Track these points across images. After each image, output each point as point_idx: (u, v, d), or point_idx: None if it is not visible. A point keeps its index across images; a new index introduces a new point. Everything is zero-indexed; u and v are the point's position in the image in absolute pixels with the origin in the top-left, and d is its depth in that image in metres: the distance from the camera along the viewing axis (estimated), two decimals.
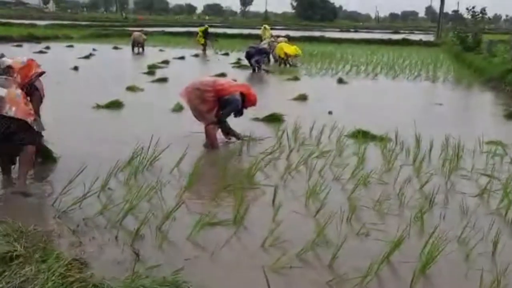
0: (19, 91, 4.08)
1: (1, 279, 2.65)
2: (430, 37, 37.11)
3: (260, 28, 15.81)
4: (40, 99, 4.53)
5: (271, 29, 22.95)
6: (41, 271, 2.72)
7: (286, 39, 17.18)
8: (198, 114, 5.74)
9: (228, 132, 6.05)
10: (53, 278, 2.64)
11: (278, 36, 18.72)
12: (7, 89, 3.99)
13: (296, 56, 15.84)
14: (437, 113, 8.64)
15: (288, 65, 15.35)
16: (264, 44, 16.13)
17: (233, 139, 6.06)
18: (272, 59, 16.17)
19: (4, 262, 2.81)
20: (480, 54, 17.73)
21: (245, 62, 14.70)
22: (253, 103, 5.98)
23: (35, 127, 4.12)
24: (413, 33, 47.96)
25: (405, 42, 30.65)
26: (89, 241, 3.23)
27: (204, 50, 20.53)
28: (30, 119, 4.05)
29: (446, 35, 33.46)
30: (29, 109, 4.11)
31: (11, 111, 3.97)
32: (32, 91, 4.40)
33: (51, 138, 5.02)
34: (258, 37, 18.17)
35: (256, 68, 14.05)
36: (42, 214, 3.62)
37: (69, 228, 3.37)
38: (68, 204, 3.71)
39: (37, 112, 4.37)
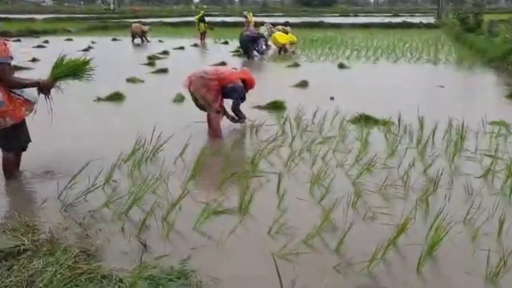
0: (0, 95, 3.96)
1: (10, 273, 2.68)
2: (431, 19, 36.80)
3: (245, 17, 15.59)
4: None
5: (271, 16, 22.79)
6: (49, 264, 2.74)
7: (283, 27, 17.01)
8: (205, 103, 5.73)
9: (237, 115, 6.09)
10: (61, 270, 2.66)
11: (274, 25, 18.57)
12: None
13: (292, 43, 15.75)
14: (440, 95, 8.60)
15: (286, 53, 15.27)
16: (265, 32, 16.04)
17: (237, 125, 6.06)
18: (273, 47, 16.10)
19: (12, 256, 2.83)
20: (481, 35, 17.59)
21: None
22: (252, 86, 6.04)
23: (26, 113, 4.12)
24: (413, 15, 47.57)
25: (405, 25, 30.43)
26: (96, 233, 3.24)
27: (202, 39, 20.39)
28: (25, 114, 4.07)
29: (446, 16, 33.16)
30: (19, 105, 4.07)
31: (7, 122, 4.00)
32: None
33: (54, 132, 5.02)
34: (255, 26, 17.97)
35: (256, 55, 14.01)
36: (48, 208, 3.62)
37: (75, 221, 3.38)
38: (73, 198, 3.72)
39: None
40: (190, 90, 5.82)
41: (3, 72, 3.96)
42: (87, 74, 4.51)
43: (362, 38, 20.77)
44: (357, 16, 49.88)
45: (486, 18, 20.50)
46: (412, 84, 9.66)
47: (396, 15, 48.06)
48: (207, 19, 21.49)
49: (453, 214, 3.40)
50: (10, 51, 4.07)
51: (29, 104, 4.15)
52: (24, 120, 4.17)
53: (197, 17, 20.96)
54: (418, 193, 3.91)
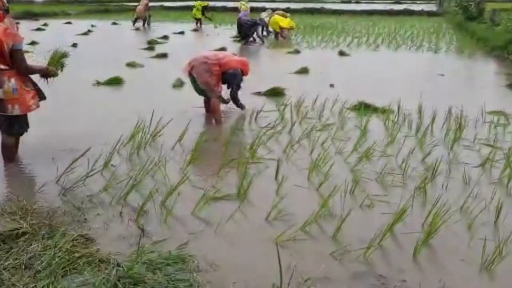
0: (12, 82, 3.93)
1: (9, 256, 2.69)
2: (432, 7, 36.56)
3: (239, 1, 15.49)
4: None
5: (272, 2, 22.55)
6: (48, 247, 2.76)
7: (283, 12, 16.92)
8: (207, 88, 5.72)
9: (236, 102, 6.11)
10: (60, 254, 2.67)
11: (274, 10, 18.44)
12: (2, 89, 3.91)
13: (290, 28, 15.69)
14: (440, 83, 8.58)
15: (283, 38, 15.21)
16: (266, 18, 15.95)
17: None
18: (271, 32, 16.05)
19: (11, 239, 2.85)
20: (483, 24, 17.49)
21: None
22: (247, 74, 6.01)
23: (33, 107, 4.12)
24: (415, 3, 47.10)
25: (406, 13, 30.23)
26: (94, 218, 3.26)
27: (198, 24, 20.07)
28: (32, 107, 4.08)
29: (448, 4, 32.87)
30: (30, 98, 4.07)
31: (15, 110, 3.98)
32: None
33: (53, 116, 5.02)
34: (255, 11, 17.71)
35: (254, 39, 13.99)
36: (47, 192, 3.62)
37: (73, 205, 3.39)
38: (72, 182, 3.73)
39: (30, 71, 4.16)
40: (190, 75, 5.80)
41: (20, 58, 3.94)
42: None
43: (363, 25, 20.65)
44: (359, 2, 49.42)
45: (489, 6, 20.36)
46: (412, 72, 9.63)
47: (398, 2, 47.57)
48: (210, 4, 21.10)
49: (451, 203, 3.42)
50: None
51: (37, 99, 4.15)
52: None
53: (200, 4, 20.40)
54: (416, 182, 3.92)
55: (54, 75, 4.35)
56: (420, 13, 29.96)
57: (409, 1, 50.13)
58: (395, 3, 46.49)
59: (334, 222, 3.21)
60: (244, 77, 5.96)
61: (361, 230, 3.12)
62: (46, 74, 4.31)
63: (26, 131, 4.24)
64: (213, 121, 5.78)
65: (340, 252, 2.89)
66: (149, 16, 19.72)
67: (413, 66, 10.48)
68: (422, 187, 3.76)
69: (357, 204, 3.55)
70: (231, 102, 6.10)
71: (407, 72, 9.52)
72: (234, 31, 16.42)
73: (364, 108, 6.20)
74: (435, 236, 3.03)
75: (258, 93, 7.16)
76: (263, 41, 14.41)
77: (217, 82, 5.73)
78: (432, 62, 11.47)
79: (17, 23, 4.39)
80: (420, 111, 5.85)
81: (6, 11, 3.92)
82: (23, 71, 4.01)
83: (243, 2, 15.25)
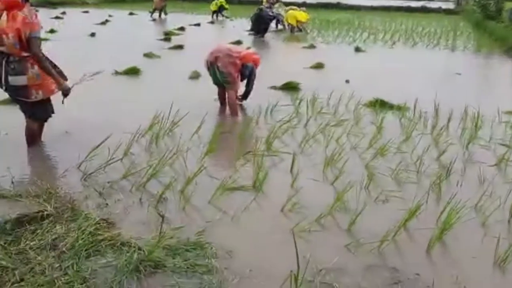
0: (35, 68, 4.02)
1: (34, 237, 2.79)
2: (450, 5, 36.10)
3: None
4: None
5: None
6: (71, 229, 2.86)
7: (297, 8, 16.93)
8: (230, 79, 5.78)
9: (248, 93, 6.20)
10: (83, 236, 2.78)
11: (287, 4, 18.41)
12: (26, 75, 4.00)
13: (306, 22, 15.73)
14: (456, 82, 8.55)
15: (301, 31, 15.25)
16: (281, 12, 15.98)
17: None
18: (287, 27, 16.07)
19: (36, 221, 2.95)
20: (501, 23, 17.30)
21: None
22: (257, 66, 6.11)
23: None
24: (432, 0, 46.70)
25: (424, 10, 29.98)
26: (115, 203, 3.35)
27: (214, 17, 20.23)
28: (55, 91, 4.17)
29: (466, 2, 32.54)
30: (52, 81, 4.15)
31: (38, 95, 4.09)
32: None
33: (73, 103, 5.10)
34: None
35: (262, 34, 14.04)
36: (69, 177, 3.73)
37: (95, 190, 3.49)
38: (93, 168, 3.83)
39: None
40: (211, 65, 5.84)
41: (35, 45, 3.98)
42: None
43: (380, 22, 20.53)
44: None
45: (508, 5, 20.12)
46: (429, 70, 9.59)
47: None
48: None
49: (465, 201, 3.44)
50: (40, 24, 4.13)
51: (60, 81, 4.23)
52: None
53: (215, 3, 20.48)
54: (430, 179, 3.96)
55: (67, 93, 4.26)
56: (438, 11, 29.70)
57: None
58: (413, 0, 46.11)
59: (348, 216, 3.27)
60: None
61: (375, 224, 3.17)
62: (60, 89, 4.23)
63: (51, 116, 4.35)
64: (229, 113, 5.84)
65: (354, 244, 2.95)
66: (165, 6, 19.86)
67: (429, 64, 10.43)
68: (437, 185, 3.80)
69: (371, 199, 3.60)
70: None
71: (423, 70, 9.49)
72: (248, 24, 16.46)
73: (379, 104, 6.22)
74: (449, 232, 3.07)
75: (274, 87, 7.21)
76: (263, 36, 14.36)
77: (238, 74, 5.82)
78: (449, 61, 11.42)
79: (37, 10, 4.47)
80: (436, 109, 5.86)
81: (26, 0, 4.00)
82: (37, 59, 4.03)
83: None
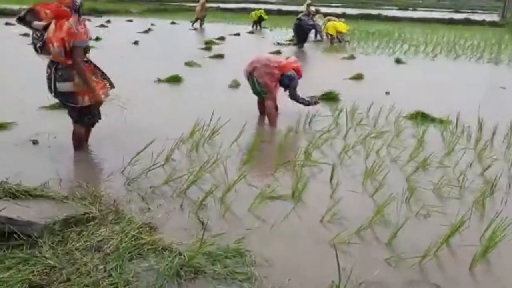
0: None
1: (80, 238, 2.88)
2: (495, 17, 35.27)
3: (309, 5, 15.55)
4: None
5: (328, 6, 22.46)
6: (115, 232, 2.94)
7: (336, 19, 16.91)
8: (267, 90, 5.84)
9: (298, 100, 6.19)
10: (126, 239, 2.84)
11: (325, 15, 18.38)
12: (72, 82, 4.16)
13: (346, 33, 15.67)
14: (501, 96, 8.33)
15: (340, 42, 15.22)
16: (320, 22, 16.01)
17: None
18: (324, 37, 16.07)
19: (82, 222, 3.04)
20: None
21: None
22: (301, 75, 6.14)
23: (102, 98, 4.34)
24: (476, 12, 45.69)
25: (467, 22, 29.35)
26: (157, 208, 3.42)
27: (254, 27, 20.50)
28: (103, 96, 4.30)
29: None
30: (99, 88, 4.28)
31: (84, 101, 4.23)
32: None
33: (118, 109, 5.26)
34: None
35: (302, 43, 14.04)
36: (113, 181, 3.84)
37: (138, 194, 3.58)
38: (136, 173, 3.93)
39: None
40: (250, 75, 5.91)
41: (77, 54, 4.10)
42: None
43: (421, 33, 20.24)
44: (416, 10, 48.37)
45: None
46: (472, 83, 9.39)
47: (458, 11, 46.27)
48: (263, 7, 21.39)
49: (511, 219, 3.35)
50: (89, 32, 4.26)
51: (105, 88, 4.38)
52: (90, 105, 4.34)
53: (259, 12, 20.81)
54: (474, 195, 3.86)
55: (99, 103, 4.37)
56: (482, 23, 29.02)
57: (469, 11, 48.62)
58: (455, 12, 45.23)
59: (388, 229, 3.23)
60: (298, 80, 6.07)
61: (417, 239, 3.12)
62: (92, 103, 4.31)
63: (97, 121, 4.50)
64: (268, 122, 5.88)
65: (395, 258, 2.91)
66: (204, 17, 20.21)
67: (473, 77, 10.21)
68: (481, 201, 3.71)
69: (412, 213, 3.54)
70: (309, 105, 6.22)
71: (466, 83, 9.29)
72: (287, 34, 16.52)
73: (421, 117, 6.13)
74: (493, 250, 2.99)
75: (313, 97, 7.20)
76: (302, 46, 14.36)
77: (276, 84, 5.85)
78: (493, 74, 11.14)
79: (88, 20, 4.63)
80: (480, 123, 5.72)
81: (75, 10, 4.11)
82: (76, 68, 4.13)
83: (309, 1, 15.38)
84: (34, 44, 4.17)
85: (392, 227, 3.23)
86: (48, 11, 4.06)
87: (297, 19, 14.35)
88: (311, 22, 14.36)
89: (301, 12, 15.23)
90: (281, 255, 2.92)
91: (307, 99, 6.21)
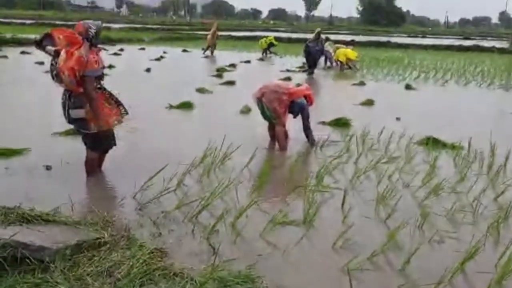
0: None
1: (91, 263, 2.88)
2: (504, 44, 35.34)
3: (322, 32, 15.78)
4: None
5: (337, 34, 22.69)
6: (126, 257, 2.93)
7: (344, 46, 17.06)
8: (276, 116, 5.87)
9: (307, 135, 6.14)
10: (137, 265, 2.83)
11: (335, 42, 18.55)
12: (84, 109, 4.23)
13: (355, 60, 15.79)
14: (511, 122, 8.28)
15: (350, 68, 15.35)
16: (329, 49, 16.18)
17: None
18: (334, 64, 16.21)
19: (93, 247, 3.04)
20: None
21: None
22: (312, 102, 6.12)
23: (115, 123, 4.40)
24: (485, 39, 45.86)
25: (476, 49, 29.41)
26: (168, 233, 3.42)
27: (264, 54, 20.69)
28: (113, 123, 4.36)
29: None
30: (112, 114, 4.36)
31: (95, 127, 4.29)
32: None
33: (131, 135, 5.33)
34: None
35: (312, 69, 14.12)
36: (125, 206, 3.86)
37: (150, 219, 3.58)
38: (148, 198, 3.95)
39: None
40: (259, 101, 5.96)
41: (87, 83, 4.16)
42: None
43: (431, 60, 20.32)
44: (425, 37, 48.70)
45: None
46: (482, 109, 9.36)
47: (467, 38, 46.52)
48: (273, 34, 21.62)
49: None
50: (102, 61, 4.33)
51: (119, 115, 4.44)
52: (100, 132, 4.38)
53: (269, 38, 21.10)
54: (488, 221, 3.81)
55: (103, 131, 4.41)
56: (491, 50, 29.04)
57: (478, 38, 48.83)
58: (464, 38, 45.46)
59: (402, 255, 3.19)
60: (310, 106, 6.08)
61: (430, 265, 3.08)
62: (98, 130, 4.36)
63: (111, 147, 4.54)
64: (279, 148, 5.89)
65: (408, 285, 2.87)
66: (215, 45, 20.46)
67: (483, 103, 10.18)
68: (495, 227, 3.66)
69: (425, 239, 3.50)
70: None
71: (477, 109, 9.27)
72: (297, 61, 16.64)
73: (432, 143, 6.11)
74: (508, 277, 2.94)
75: (323, 123, 7.23)
76: (312, 72, 14.46)
77: (285, 111, 5.88)
78: (504, 100, 11.10)
79: (105, 49, 4.71)
80: (492, 149, 5.69)
81: (88, 40, 4.15)
82: (88, 96, 4.19)
83: (319, 29, 15.56)
84: (51, 71, 4.27)
85: (405, 253, 3.19)
86: (61, 37, 4.16)
87: (306, 45, 14.53)
88: (317, 48, 14.49)
89: (309, 39, 15.40)
90: (292, 281, 2.89)
91: (315, 140, 6.12)
